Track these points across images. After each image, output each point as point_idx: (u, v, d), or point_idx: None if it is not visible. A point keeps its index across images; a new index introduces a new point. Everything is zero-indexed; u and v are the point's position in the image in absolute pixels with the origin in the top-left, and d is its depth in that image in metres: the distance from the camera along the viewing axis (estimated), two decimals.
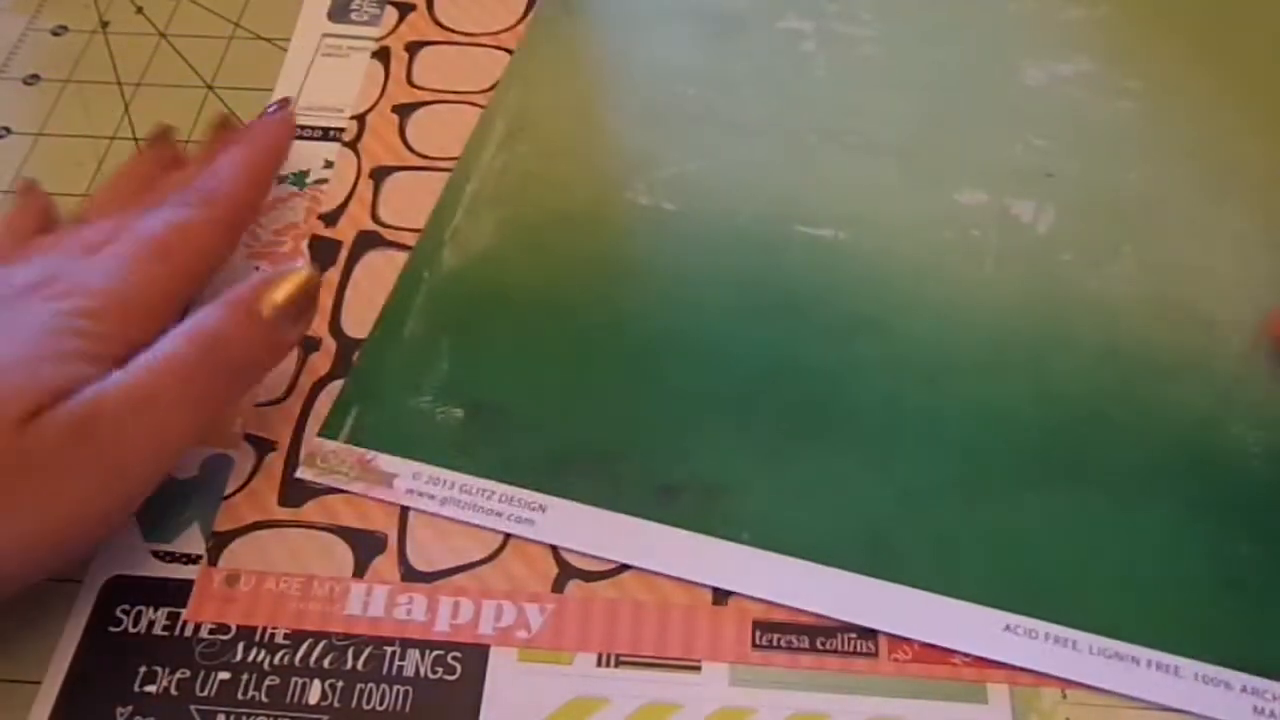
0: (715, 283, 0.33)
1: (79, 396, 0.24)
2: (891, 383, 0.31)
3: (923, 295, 0.32)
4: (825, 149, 0.36)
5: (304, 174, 0.36)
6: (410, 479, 0.29)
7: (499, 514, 0.29)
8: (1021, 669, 0.26)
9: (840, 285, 0.32)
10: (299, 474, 0.29)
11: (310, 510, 0.29)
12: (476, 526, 0.28)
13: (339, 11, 0.40)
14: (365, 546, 0.28)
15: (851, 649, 0.27)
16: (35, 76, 0.38)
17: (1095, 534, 0.28)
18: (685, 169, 0.35)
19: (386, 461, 0.30)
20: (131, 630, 0.27)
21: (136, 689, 0.26)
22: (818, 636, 0.27)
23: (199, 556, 0.28)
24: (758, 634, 0.27)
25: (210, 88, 0.38)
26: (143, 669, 0.26)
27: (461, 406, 0.31)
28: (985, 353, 0.31)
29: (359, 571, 0.28)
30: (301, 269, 0.28)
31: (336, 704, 0.26)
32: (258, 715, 0.26)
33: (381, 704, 0.26)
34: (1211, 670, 0.26)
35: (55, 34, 0.40)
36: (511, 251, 0.34)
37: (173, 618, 0.27)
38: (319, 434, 0.30)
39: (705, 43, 0.39)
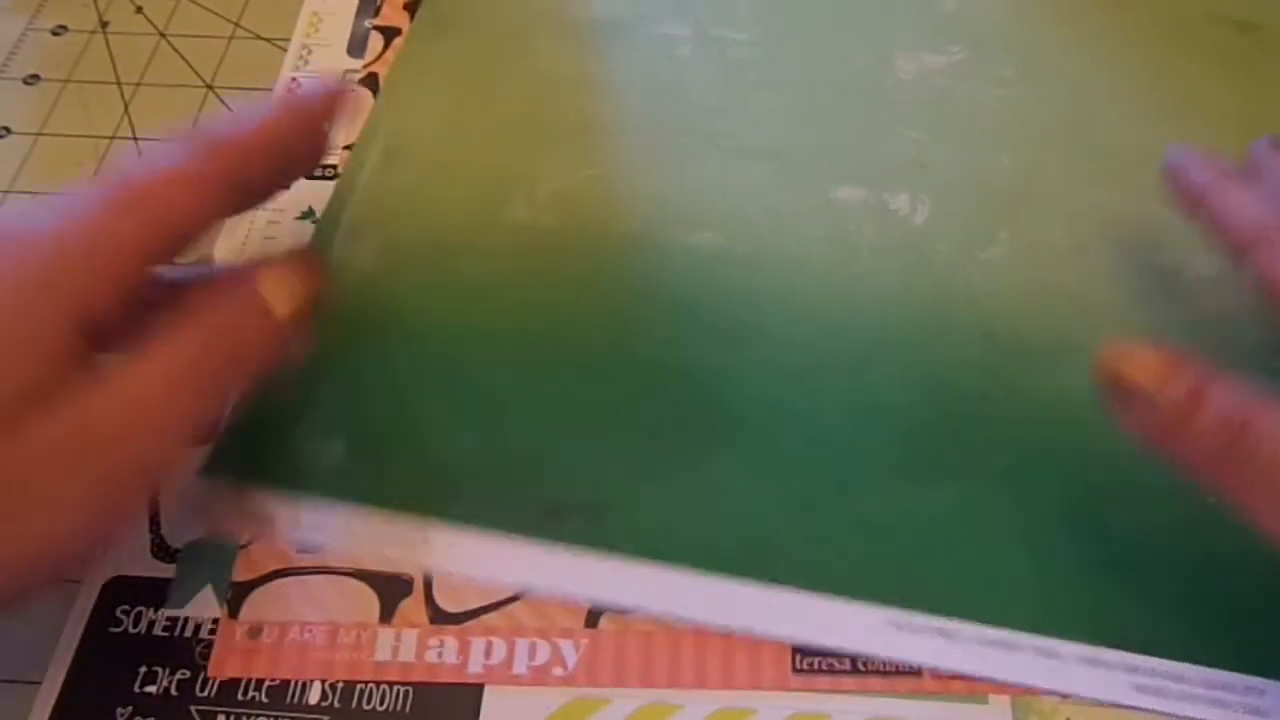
0: (594, 295, 0.32)
1: (78, 394, 0.22)
2: (770, 384, 0.30)
3: (798, 294, 0.32)
4: (703, 153, 0.36)
5: (312, 211, 0.35)
6: (292, 519, 0.29)
7: (384, 546, 0.28)
8: (907, 664, 0.26)
9: (718, 290, 0.32)
10: (164, 531, 0.29)
11: (331, 554, 0.28)
12: (362, 560, 0.28)
13: (356, 46, 0.39)
14: (390, 589, 0.28)
15: (894, 669, 0.26)
16: (35, 76, 0.39)
17: (974, 521, 0.28)
18: (563, 183, 0.35)
19: (269, 502, 0.29)
20: (131, 630, 0.27)
21: (136, 689, 0.26)
22: (859, 658, 0.26)
23: None
24: (797, 659, 0.26)
25: (210, 88, 0.38)
26: (143, 669, 0.26)
27: (343, 438, 0.30)
28: (862, 347, 0.31)
29: (385, 616, 0.27)
30: (309, 264, 0.26)
31: (337, 704, 0.26)
32: (258, 715, 0.26)
33: (382, 704, 0.26)
34: (1091, 651, 0.26)
35: (55, 34, 0.40)
36: (391, 277, 0.33)
37: (173, 619, 0.27)
38: (198, 474, 0.29)
39: (582, 52, 0.38)
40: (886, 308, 0.32)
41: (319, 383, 0.31)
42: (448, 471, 0.29)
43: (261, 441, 0.30)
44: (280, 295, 0.25)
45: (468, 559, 0.28)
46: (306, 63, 0.39)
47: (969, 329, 0.31)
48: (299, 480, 0.29)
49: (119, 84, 0.38)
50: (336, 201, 0.35)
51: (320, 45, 0.39)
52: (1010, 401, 0.30)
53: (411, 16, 0.40)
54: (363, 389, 0.31)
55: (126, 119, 0.37)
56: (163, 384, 0.23)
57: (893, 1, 0.40)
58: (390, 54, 0.39)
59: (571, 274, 0.33)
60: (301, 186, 0.34)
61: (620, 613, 0.27)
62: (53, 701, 0.26)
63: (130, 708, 0.26)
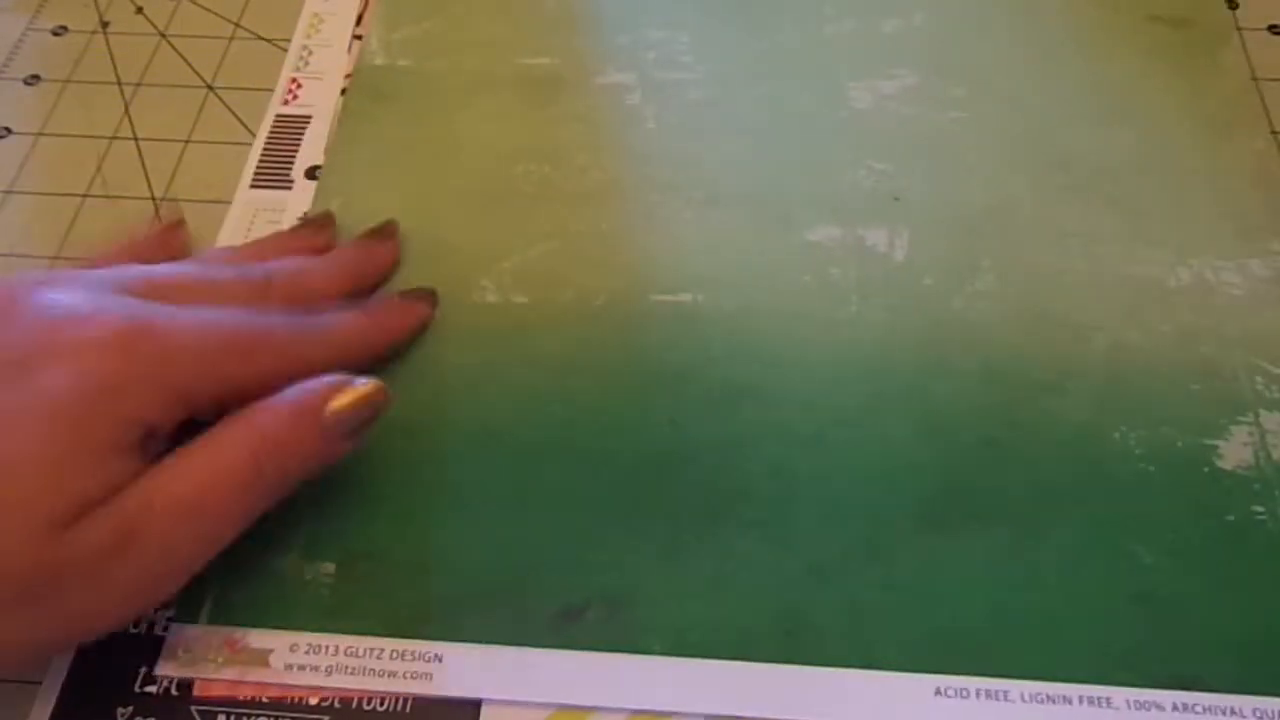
0: (581, 374, 0.31)
1: (123, 498, 0.23)
2: (777, 448, 0.29)
3: (790, 349, 0.31)
4: (669, 207, 0.34)
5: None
6: (288, 653, 0.27)
7: (393, 673, 0.26)
8: None
9: (710, 353, 0.31)
10: (157, 670, 0.26)
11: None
12: (371, 691, 0.26)
13: None
14: None
15: None
16: (35, 77, 0.39)
17: (1005, 571, 0.27)
18: (529, 255, 0.33)
19: (258, 637, 0.27)
20: (132, 630, 0.27)
21: (137, 689, 0.26)
22: None
23: None
24: None
25: (210, 88, 0.38)
26: (143, 669, 0.26)
27: (333, 560, 0.28)
28: (865, 398, 0.30)
29: None
30: (369, 383, 0.26)
31: (337, 705, 0.26)
32: (258, 716, 0.26)
33: (382, 705, 0.26)
34: (1143, 694, 0.25)
35: (55, 34, 0.40)
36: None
37: (173, 619, 0.27)
38: (173, 618, 0.27)
39: (527, 112, 0.37)
40: (881, 354, 0.31)
41: (298, 503, 0.29)
42: (449, 582, 0.27)
43: (241, 572, 0.28)
44: (340, 411, 0.26)
45: (483, 678, 0.26)
46: (307, 63, 0.39)
47: (968, 367, 0.31)
48: (288, 611, 0.27)
49: (119, 84, 0.38)
50: None
51: (321, 46, 0.39)
52: (1021, 439, 0.29)
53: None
54: (346, 502, 0.29)
55: (127, 119, 0.37)
56: (211, 488, 0.24)
57: (832, 29, 0.39)
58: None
59: (555, 355, 0.31)
60: (306, 189, 0.35)
61: (656, 715, 0.26)
62: (53, 702, 0.26)
63: (130, 708, 0.26)
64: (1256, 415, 0.30)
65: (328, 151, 0.36)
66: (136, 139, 0.37)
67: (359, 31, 0.39)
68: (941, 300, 0.32)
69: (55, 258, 0.34)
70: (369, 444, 0.30)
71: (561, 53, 0.38)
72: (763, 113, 0.37)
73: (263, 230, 0.34)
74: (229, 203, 0.35)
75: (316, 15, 0.40)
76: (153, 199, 0.35)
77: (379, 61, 0.38)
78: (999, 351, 0.31)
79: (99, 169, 0.36)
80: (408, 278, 0.33)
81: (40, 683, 0.26)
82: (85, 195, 0.35)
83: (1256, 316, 0.31)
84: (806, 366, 0.31)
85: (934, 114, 0.36)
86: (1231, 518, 0.28)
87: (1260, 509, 0.28)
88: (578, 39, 0.38)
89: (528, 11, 0.40)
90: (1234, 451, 0.29)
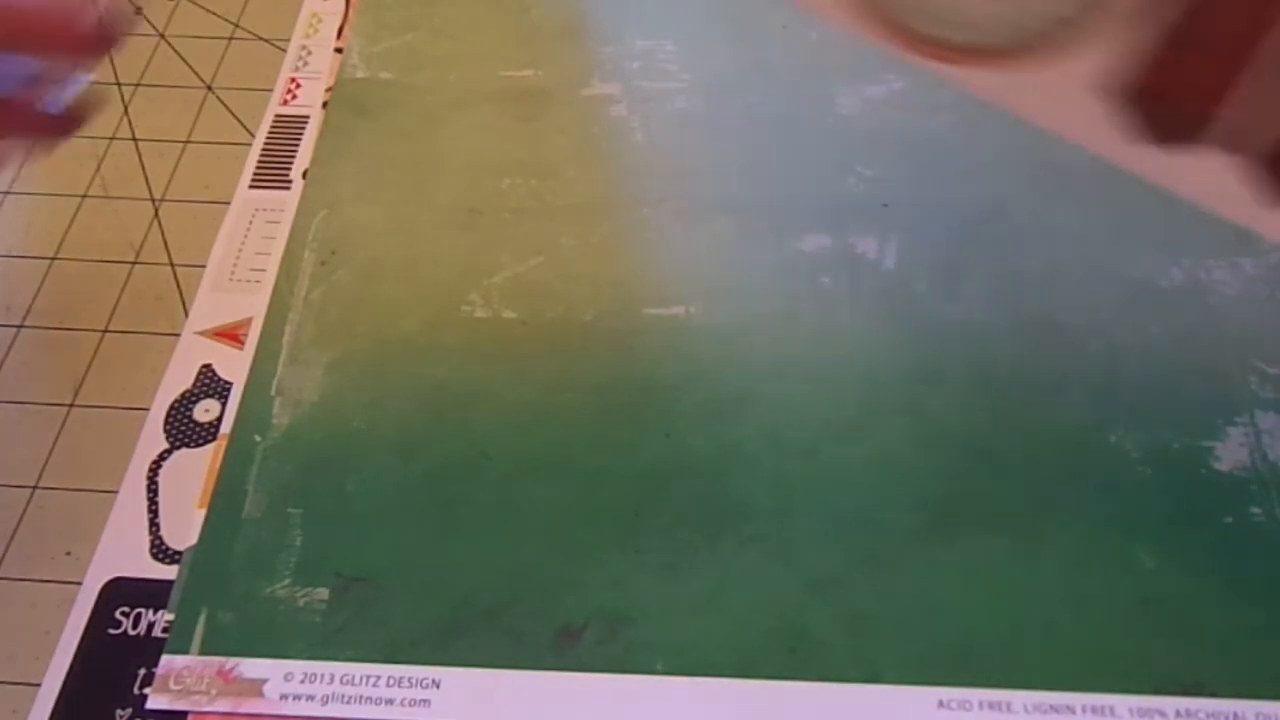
0: (573, 390, 0.31)
1: None
2: (774, 460, 0.29)
3: (786, 359, 0.31)
4: (659, 219, 0.34)
5: None
6: (282, 682, 0.26)
7: (390, 700, 0.26)
8: None
9: (702, 366, 0.31)
10: (150, 705, 0.26)
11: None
12: None
13: None
14: None
15: None
16: (35, 77, 0.38)
17: (1005, 580, 0.27)
18: (519, 270, 0.33)
19: (251, 666, 0.27)
20: (131, 633, 0.27)
21: (136, 691, 0.26)
22: None
23: None
24: None
25: (210, 88, 0.40)
26: (142, 671, 0.27)
27: (325, 585, 0.28)
28: (861, 409, 0.30)
29: None
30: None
31: None
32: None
33: None
34: (1145, 702, 0.25)
35: None
36: (348, 395, 0.31)
37: (172, 621, 0.27)
38: (166, 650, 0.27)
39: (513, 125, 0.37)
40: (876, 364, 0.31)
41: (289, 526, 0.29)
42: (445, 605, 0.27)
43: (233, 600, 0.28)
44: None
45: (483, 703, 0.26)
46: (306, 63, 0.39)
47: (963, 375, 0.31)
48: (281, 639, 0.27)
49: (118, 84, 0.39)
50: (273, 320, 0.32)
51: (319, 46, 0.39)
52: (1019, 445, 0.29)
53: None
54: (337, 526, 0.29)
55: (126, 119, 0.38)
56: None
57: (818, 34, 0.39)
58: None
59: (547, 371, 0.31)
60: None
61: None
62: (52, 703, 0.26)
63: (130, 709, 0.26)
64: (1252, 415, 0.30)
65: (310, 165, 0.36)
66: (135, 139, 0.37)
67: (339, 44, 0.39)
68: (934, 308, 0.32)
69: (54, 258, 0.34)
70: (359, 463, 0.30)
71: (545, 64, 0.38)
72: (749, 121, 0.37)
73: (262, 230, 0.34)
74: (228, 203, 0.35)
75: (315, 15, 0.40)
76: (151, 199, 0.36)
77: (360, 74, 0.38)
78: (993, 357, 0.31)
79: (98, 169, 0.37)
80: (393, 297, 0.33)
81: (40, 684, 0.26)
82: (84, 195, 0.36)
83: (1249, 316, 0.32)
84: (801, 378, 0.31)
85: (921, 118, 0.37)
86: (1229, 520, 0.28)
87: (1258, 510, 0.28)
88: (562, 50, 0.38)
89: (511, 23, 0.39)
90: (1230, 453, 0.29)
